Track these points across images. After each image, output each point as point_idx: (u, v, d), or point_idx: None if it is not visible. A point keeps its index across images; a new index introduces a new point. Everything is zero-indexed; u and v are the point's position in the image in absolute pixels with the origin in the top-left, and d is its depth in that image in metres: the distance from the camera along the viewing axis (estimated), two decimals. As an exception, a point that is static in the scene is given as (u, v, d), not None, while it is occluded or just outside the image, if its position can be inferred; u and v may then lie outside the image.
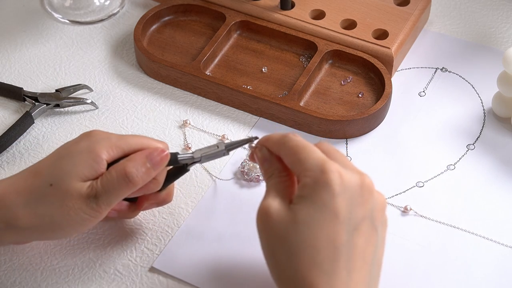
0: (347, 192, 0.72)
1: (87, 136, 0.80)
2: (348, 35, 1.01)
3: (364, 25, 1.02)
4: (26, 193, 0.78)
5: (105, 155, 0.79)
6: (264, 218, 0.74)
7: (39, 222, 0.78)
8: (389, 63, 0.99)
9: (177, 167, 0.83)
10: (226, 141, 0.83)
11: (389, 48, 0.99)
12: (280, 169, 0.77)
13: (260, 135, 0.95)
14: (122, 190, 0.78)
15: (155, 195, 0.84)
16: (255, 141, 0.82)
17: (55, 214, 0.77)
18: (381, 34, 1.01)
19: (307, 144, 0.75)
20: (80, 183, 0.78)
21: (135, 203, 0.85)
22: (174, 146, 0.95)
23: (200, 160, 0.82)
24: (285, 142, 0.76)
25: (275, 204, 0.74)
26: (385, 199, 0.77)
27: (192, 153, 0.82)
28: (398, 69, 1.02)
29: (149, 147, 0.80)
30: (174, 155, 0.82)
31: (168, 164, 0.81)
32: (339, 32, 1.01)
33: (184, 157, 0.82)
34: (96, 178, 0.78)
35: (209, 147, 0.83)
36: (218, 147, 0.82)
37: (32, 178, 0.79)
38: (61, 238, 0.84)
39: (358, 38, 1.00)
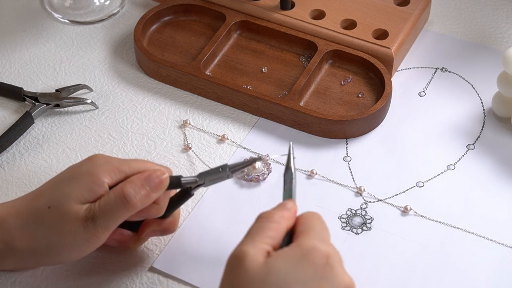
0: (331, 283, 0.68)
1: (89, 159, 0.79)
2: (348, 35, 1.01)
3: (364, 25, 1.02)
4: (25, 215, 0.78)
5: (107, 178, 0.77)
6: (236, 263, 0.69)
7: (36, 245, 0.77)
8: (389, 63, 0.99)
9: (181, 192, 0.82)
10: (230, 163, 0.81)
11: (389, 48, 0.99)
12: (285, 217, 0.73)
13: (260, 134, 0.95)
14: (120, 212, 0.76)
15: (158, 222, 0.82)
16: (258, 162, 0.81)
17: (51, 238, 0.77)
18: (381, 34, 1.01)
19: (325, 223, 0.73)
20: (78, 205, 0.76)
21: (137, 233, 0.83)
22: (174, 146, 0.95)
23: (204, 184, 0.81)
24: (313, 212, 0.74)
25: (254, 252, 0.69)
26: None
27: (196, 176, 0.81)
28: (398, 69, 1.02)
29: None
30: (177, 178, 0.80)
31: (172, 188, 0.80)
32: (339, 32, 1.01)
33: (187, 180, 0.80)
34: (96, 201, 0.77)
35: (212, 169, 0.81)
36: (221, 169, 0.80)
37: (33, 200, 0.78)
38: (58, 264, 0.82)
39: (358, 38, 1.00)
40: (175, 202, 0.82)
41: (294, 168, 0.78)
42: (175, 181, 0.80)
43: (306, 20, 1.02)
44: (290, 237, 0.72)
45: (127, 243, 0.83)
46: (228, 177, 0.81)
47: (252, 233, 0.71)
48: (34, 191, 0.80)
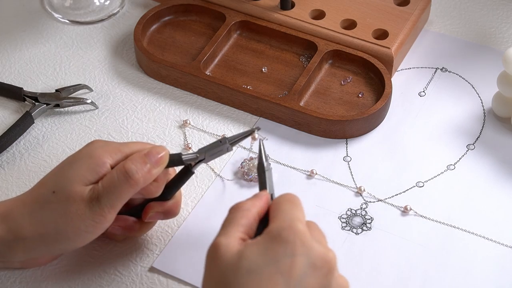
0: (306, 257, 0.68)
1: (88, 144, 0.80)
2: (348, 35, 1.01)
3: (364, 25, 1.02)
4: (31, 203, 0.78)
5: (108, 159, 0.78)
6: (212, 254, 0.70)
7: (44, 231, 0.78)
8: (389, 63, 0.99)
9: (182, 171, 0.82)
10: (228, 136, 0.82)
11: (389, 48, 0.99)
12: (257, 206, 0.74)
13: (260, 135, 0.95)
14: (124, 189, 0.77)
15: (160, 204, 0.83)
16: (257, 132, 0.82)
17: (59, 222, 0.77)
18: (381, 34, 1.01)
19: (295, 200, 0.73)
20: (82, 187, 0.77)
21: (141, 219, 0.84)
22: (174, 146, 0.95)
23: (204, 159, 0.81)
24: (280, 196, 0.74)
25: (227, 242, 0.70)
26: (348, 284, 0.71)
27: (196, 152, 0.81)
28: (398, 69, 1.02)
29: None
30: (177, 156, 0.81)
31: (173, 165, 0.81)
32: (339, 32, 1.01)
33: (188, 157, 0.81)
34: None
35: (212, 144, 0.81)
36: (221, 142, 0.81)
37: (37, 189, 0.79)
38: (69, 249, 0.82)
39: (358, 38, 1.00)
40: (177, 182, 0.83)
41: (267, 161, 0.78)
42: (175, 158, 0.80)
43: (306, 20, 1.02)
44: (265, 225, 0.73)
45: (132, 230, 0.84)
46: (228, 150, 0.81)
47: (225, 225, 0.73)
48: (37, 183, 0.81)
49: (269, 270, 0.68)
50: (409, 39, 1.02)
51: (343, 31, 1.01)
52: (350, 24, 1.02)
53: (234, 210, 0.73)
